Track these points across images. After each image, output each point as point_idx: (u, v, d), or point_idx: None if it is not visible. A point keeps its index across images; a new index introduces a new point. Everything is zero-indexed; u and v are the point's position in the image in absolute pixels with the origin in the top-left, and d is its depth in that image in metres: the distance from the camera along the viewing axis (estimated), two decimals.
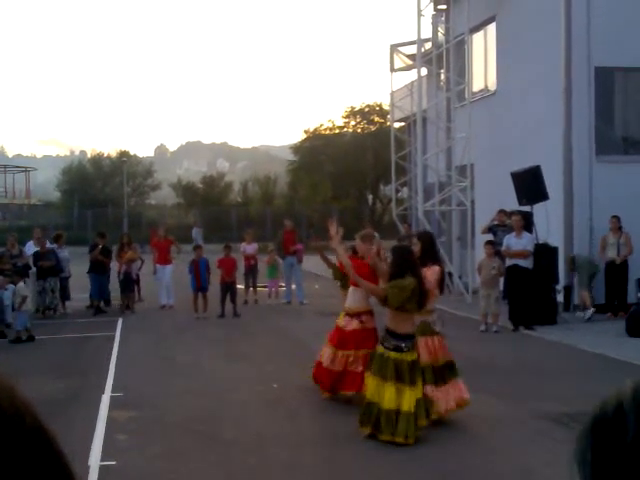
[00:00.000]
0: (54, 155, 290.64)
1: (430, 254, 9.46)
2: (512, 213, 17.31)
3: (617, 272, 17.38)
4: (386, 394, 8.27)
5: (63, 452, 0.81)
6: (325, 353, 10.50)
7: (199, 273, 18.97)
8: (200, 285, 18.93)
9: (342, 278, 10.97)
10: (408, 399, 8.24)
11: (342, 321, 10.41)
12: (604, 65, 18.47)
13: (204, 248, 20.73)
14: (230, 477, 7.45)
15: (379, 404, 8.30)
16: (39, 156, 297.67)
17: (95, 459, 7.95)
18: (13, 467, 0.72)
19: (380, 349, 8.50)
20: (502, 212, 18.83)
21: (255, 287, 21.29)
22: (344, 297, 10.83)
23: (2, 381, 0.81)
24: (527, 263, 16.14)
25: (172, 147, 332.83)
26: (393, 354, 8.35)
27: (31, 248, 19.88)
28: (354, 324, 10.24)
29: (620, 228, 17.46)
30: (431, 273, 9.20)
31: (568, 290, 17.90)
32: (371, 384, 8.46)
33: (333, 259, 11.32)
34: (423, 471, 7.52)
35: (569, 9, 18.06)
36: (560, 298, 17.42)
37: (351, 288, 10.28)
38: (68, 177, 64.92)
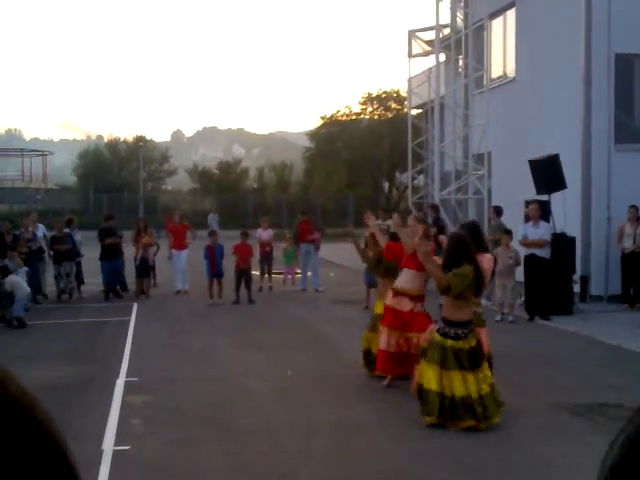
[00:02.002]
0: (71, 139, 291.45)
1: (478, 243, 9.39)
2: (529, 202, 17.19)
3: (634, 263, 17.23)
4: (454, 382, 8.28)
5: (63, 441, 0.77)
6: (381, 338, 10.45)
7: (214, 259, 18.96)
8: (215, 271, 18.91)
9: (377, 265, 11.09)
10: (474, 384, 8.27)
11: (391, 301, 10.34)
12: (624, 52, 18.28)
13: (219, 234, 20.71)
14: (243, 464, 7.43)
15: (447, 393, 8.29)
16: (56, 140, 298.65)
17: (109, 443, 7.96)
18: (7, 459, 0.69)
19: (437, 337, 8.50)
20: (433, 208, 19.17)
21: (270, 274, 21.26)
22: (382, 284, 10.92)
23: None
24: (544, 253, 16.03)
25: (188, 133, 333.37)
26: (450, 342, 8.38)
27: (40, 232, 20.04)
28: (409, 305, 10.20)
29: (638, 218, 17.30)
30: (486, 261, 9.20)
31: (585, 280, 17.78)
32: (428, 372, 8.42)
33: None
34: (438, 461, 7.47)
35: None
36: (577, 288, 17.30)
37: (408, 270, 10.22)
38: (84, 161, 65.10)
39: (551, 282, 16.03)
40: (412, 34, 28.18)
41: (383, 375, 10.52)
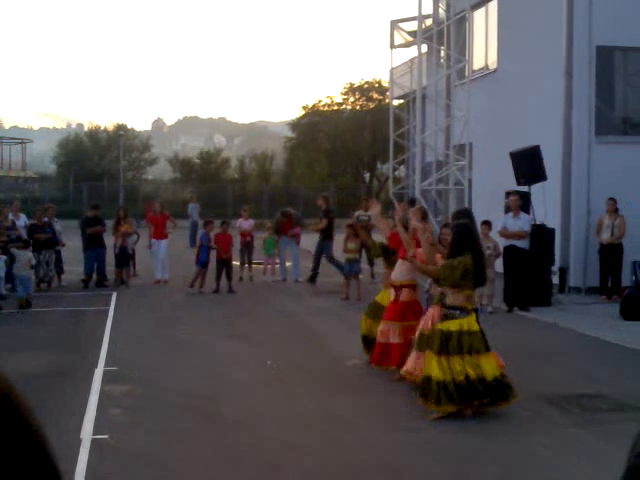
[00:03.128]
0: (51, 128, 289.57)
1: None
2: (509, 193, 17.25)
3: (612, 254, 17.32)
4: (456, 366, 8.33)
5: (35, 419, 0.76)
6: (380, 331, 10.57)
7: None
8: (207, 260, 18.91)
9: (384, 255, 11.27)
10: (471, 366, 8.33)
11: (391, 295, 10.55)
12: (605, 44, 18.34)
13: (199, 224, 20.66)
14: (227, 455, 7.42)
15: (447, 378, 8.33)
16: (36, 128, 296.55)
17: (87, 432, 7.92)
18: None
19: (439, 326, 8.60)
20: (323, 198, 19.84)
21: (250, 264, 21.23)
22: (388, 273, 11.12)
23: None
24: (524, 244, 16.11)
25: (169, 121, 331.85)
26: (452, 325, 8.45)
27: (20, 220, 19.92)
28: (407, 295, 10.43)
29: (616, 210, 17.38)
30: None
31: (563, 272, 17.86)
32: (434, 363, 8.44)
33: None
34: (423, 452, 7.51)
35: None
36: (555, 280, 17.38)
37: (399, 261, 10.48)
38: (64, 150, 64.70)
39: (530, 273, 16.10)
40: (394, 25, 28.13)
41: (380, 367, 10.57)
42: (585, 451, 7.46)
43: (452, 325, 8.47)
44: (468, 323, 8.50)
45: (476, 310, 9.24)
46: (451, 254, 8.63)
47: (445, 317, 8.59)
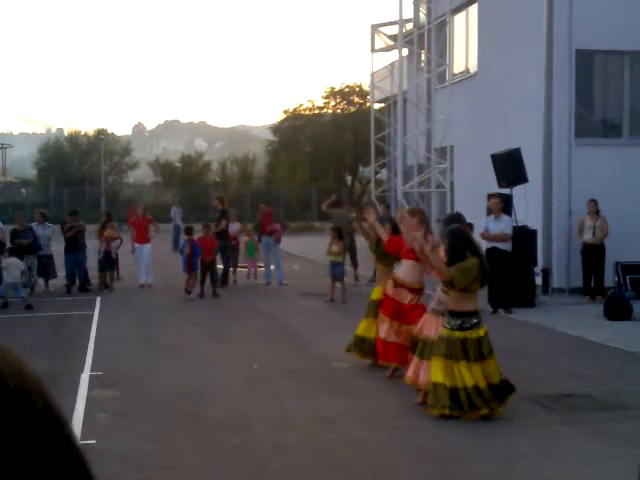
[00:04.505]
0: (31, 132, 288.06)
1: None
2: (491, 195, 17.36)
3: (594, 255, 17.46)
4: (464, 374, 8.36)
5: (74, 436, 0.78)
6: (381, 327, 10.60)
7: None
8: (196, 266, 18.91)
9: (379, 250, 11.38)
10: (479, 374, 8.37)
11: (392, 291, 10.51)
12: (585, 48, 18.49)
13: (182, 227, 20.63)
14: (215, 457, 7.44)
15: (459, 385, 8.35)
16: (15, 133, 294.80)
17: None
18: (21, 453, 0.70)
19: (445, 331, 8.59)
20: (218, 198, 20.97)
21: (235, 267, 21.23)
22: (381, 270, 11.37)
23: (10, 357, 0.77)
24: (506, 246, 16.21)
25: (150, 126, 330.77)
26: (458, 333, 8.48)
27: None
28: (408, 297, 10.38)
29: (598, 212, 17.53)
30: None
31: (546, 273, 17.99)
32: (438, 367, 8.48)
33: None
34: (409, 452, 7.56)
35: None
36: (538, 281, 17.50)
37: (407, 262, 10.39)
38: (45, 155, 64.33)
39: (513, 275, 16.19)
40: (375, 29, 28.29)
41: (384, 364, 10.62)
42: (572, 450, 7.54)
43: (480, 331, 8.50)
44: (478, 331, 8.55)
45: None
46: (451, 260, 8.60)
47: (456, 328, 8.50)
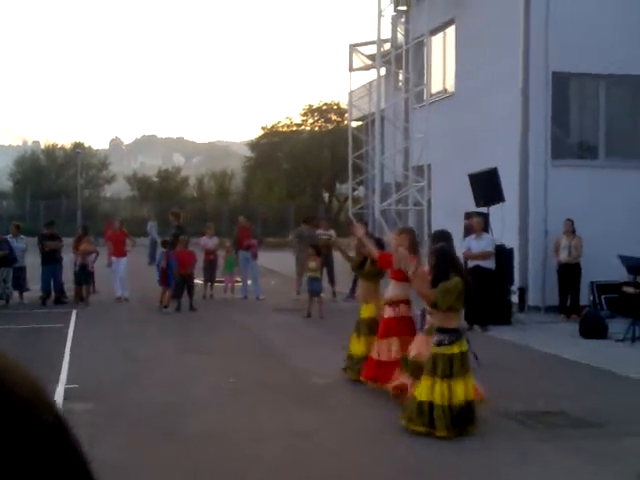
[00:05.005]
0: (6, 145, 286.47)
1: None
2: (469, 214, 17.48)
3: (570, 274, 17.60)
4: (436, 390, 8.39)
5: (83, 450, 0.79)
6: (375, 347, 10.69)
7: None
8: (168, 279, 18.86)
9: (362, 266, 11.53)
10: (443, 391, 8.37)
11: (390, 313, 10.63)
12: (561, 70, 18.70)
13: (158, 241, 20.60)
14: (191, 470, 7.42)
15: (453, 402, 8.38)
16: None
17: None
18: (33, 466, 0.71)
19: (433, 349, 8.64)
20: (173, 214, 21.05)
21: (213, 282, 21.21)
22: (365, 287, 11.54)
23: (20, 370, 0.78)
24: (489, 264, 16.30)
25: (127, 140, 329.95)
26: (435, 349, 8.54)
27: None
28: (394, 312, 10.53)
29: (574, 231, 17.68)
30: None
31: (522, 291, 18.11)
32: (423, 385, 8.53)
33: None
34: (387, 466, 7.57)
35: (528, 13, 18.30)
36: (515, 299, 17.62)
37: (392, 282, 10.60)
38: (21, 167, 64.05)
39: (490, 293, 16.29)
40: (353, 48, 28.44)
41: (367, 381, 10.65)
42: (548, 466, 7.58)
43: (455, 348, 8.53)
44: (463, 345, 8.61)
45: (472, 327, 9.36)
46: (435, 278, 8.66)
47: (441, 344, 8.54)
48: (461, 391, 8.40)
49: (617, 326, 15.24)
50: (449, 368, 8.42)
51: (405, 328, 10.39)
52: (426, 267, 9.42)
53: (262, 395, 10.39)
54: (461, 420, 8.39)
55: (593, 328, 15.12)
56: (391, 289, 10.71)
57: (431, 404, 8.39)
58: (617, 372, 11.92)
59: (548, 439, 8.39)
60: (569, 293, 17.71)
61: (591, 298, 17.83)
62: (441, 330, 8.64)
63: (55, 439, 0.75)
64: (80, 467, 0.77)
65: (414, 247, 10.35)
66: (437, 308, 8.65)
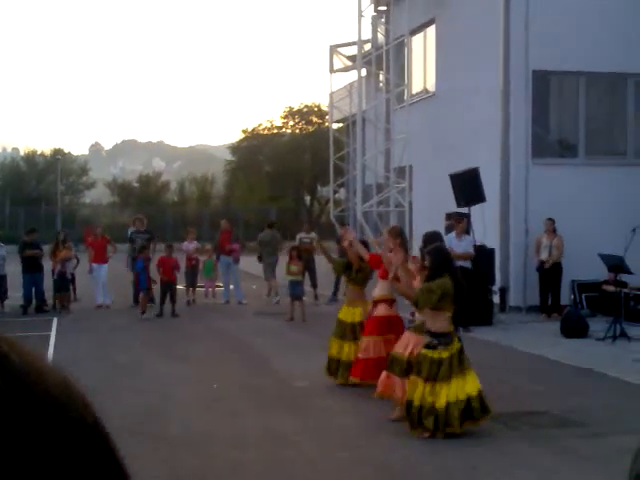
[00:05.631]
0: None
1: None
2: (450, 215, 17.50)
3: (551, 274, 17.63)
4: (425, 392, 8.37)
5: (119, 452, 0.76)
6: (362, 346, 10.68)
7: (146, 273, 18.85)
8: (146, 285, 18.78)
9: (347, 271, 11.53)
10: (443, 394, 8.35)
11: (381, 311, 10.68)
12: (541, 68, 18.74)
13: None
14: (174, 477, 7.37)
15: (424, 403, 8.35)
16: None
17: None
18: (73, 468, 0.68)
19: (423, 351, 8.63)
20: (138, 220, 21.18)
21: (194, 287, 21.12)
22: (352, 290, 11.53)
23: (55, 370, 0.74)
24: (467, 264, 16.34)
25: (107, 146, 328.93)
26: (425, 351, 8.55)
27: None
28: (383, 310, 10.60)
29: (554, 230, 17.71)
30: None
31: (504, 291, 18.12)
32: (413, 386, 8.51)
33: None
34: (370, 470, 7.55)
35: (507, 13, 18.33)
36: (496, 299, 17.62)
37: (381, 281, 10.67)
38: (1, 174, 63.72)
39: (471, 293, 16.27)
40: (333, 49, 28.44)
41: (358, 383, 10.62)
42: (532, 467, 7.57)
43: (444, 353, 8.51)
44: (455, 348, 8.57)
45: (456, 329, 9.35)
46: (430, 277, 8.67)
47: (433, 347, 8.52)
48: (444, 394, 8.36)
49: (598, 325, 15.31)
50: (435, 372, 8.39)
51: (393, 327, 10.41)
52: (412, 264, 9.47)
53: (244, 400, 10.35)
54: (446, 421, 8.35)
55: (574, 327, 15.16)
56: (379, 288, 10.75)
57: (416, 404, 8.38)
58: (599, 371, 11.95)
59: (531, 439, 8.38)
60: (550, 292, 17.73)
61: (572, 297, 17.87)
62: (431, 334, 8.62)
63: (94, 439, 0.72)
64: (118, 469, 0.74)
65: (404, 246, 10.35)
66: (418, 308, 8.69)
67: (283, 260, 20.32)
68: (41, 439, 0.67)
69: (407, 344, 9.36)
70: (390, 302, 10.69)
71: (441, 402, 8.34)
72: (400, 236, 10.56)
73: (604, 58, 18.71)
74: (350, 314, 11.36)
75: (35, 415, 0.67)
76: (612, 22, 18.78)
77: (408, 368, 9.07)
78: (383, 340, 10.41)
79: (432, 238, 10.06)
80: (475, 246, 16.82)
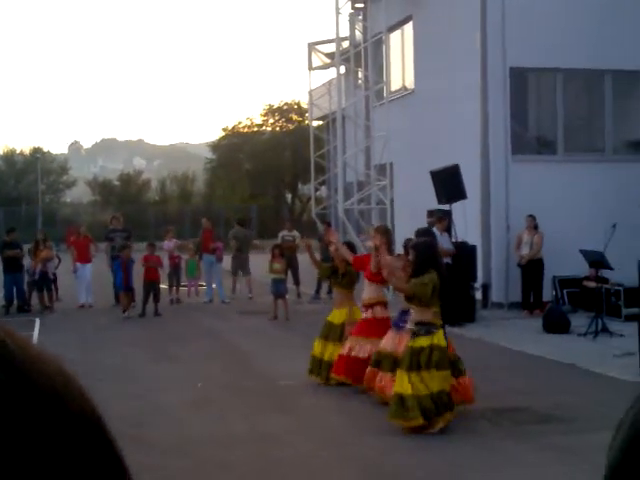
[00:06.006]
0: None
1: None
2: (432, 212, 17.55)
3: (532, 270, 17.71)
4: (403, 381, 8.46)
5: (117, 443, 0.76)
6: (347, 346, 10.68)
7: (128, 272, 18.81)
8: (128, 284, 18.75)
9: (333, 275, 11.56)
10: (404, 382, 8.46)
11: (368, 314, 10.72)
12: (518, 65, 18.82)
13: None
14: (161, 478, 7.37)
15: (422, 392, 8.42)
16: None
17: None
18: (69, 459, 0.67)
19: (410, 343, 8.71)
20: (115, 218, 21.68)
21: (178, 286, 21.11)
22: (339, 293, 11.55)
23: (52, 359, 0.73)
24: (447, 259, 16.40)
25: (87, 144, 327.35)
26: (410, 342, 8.66)
27: None
28: (369, 314, 10.63)
29: (535, 227, 17.80)
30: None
31: (486, 288, 18.21)
32: (402, 379, 8.57)
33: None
34: (357, 469, 7.60)
35: (484, 10, 18.41)
36: (478, 296, 17.71)
37: (368, 283, 10.72)
38: None
39: (453, 290, 16.35)
40: (312, 47, 28.40)
41: (339, 380, 10.67)
42: (517, 463, 7.64)
43: (424, 341, 8.58)
44: (438, 338, 8.66)
45: (443, 326, 9.41)
46: (414, 272, 8.74)
47: (415, 335, 8.66)
48: (433, 383, 8.45)
49: (579, 320, 15.42)
50: (416, 361, 8.48)
51: (381, 330, 10.39)
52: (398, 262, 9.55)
53: (229, 400, 10.37)
54: (436, 409, 8.42)
55: (556, 323, 15.27)
56: (366, 291, 10.79)
57: (405, 396, 8.44)
58: (581, 366, 12.05)
59: (515, 436, 8.46)
60: (532, 289, 17.83)
61: (554, 293, 17.98)
62: (417, 323, 8.75)
63: (91, 429, 0.71)
64: (116, 460, 0.73)
65: (389, 245, 10.41)
66: (413, 301, 8.73)
67: (262, 258, 20.38)
68: (39, 428, 0.66)
69: (392, 342, 9.44)
70: (382, 304, 10.70)
71: (432, 390, 8.45)
72: (386, 234, 10.62)
73: (581, 54, 18.81)
74: (337, 316, 11.40)
75: (32, 402, 0.67)
76: (588, 18, 18.85)
77: (393, 365, 9.16)
78: (369, 343, 10.43)
79: (421, 233, 10.15)
80: (455, 243, 16.86)
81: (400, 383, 8.59)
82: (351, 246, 11.93)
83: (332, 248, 11.72)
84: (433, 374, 8.49)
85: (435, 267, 8.78)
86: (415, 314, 8.84)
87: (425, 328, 8.65)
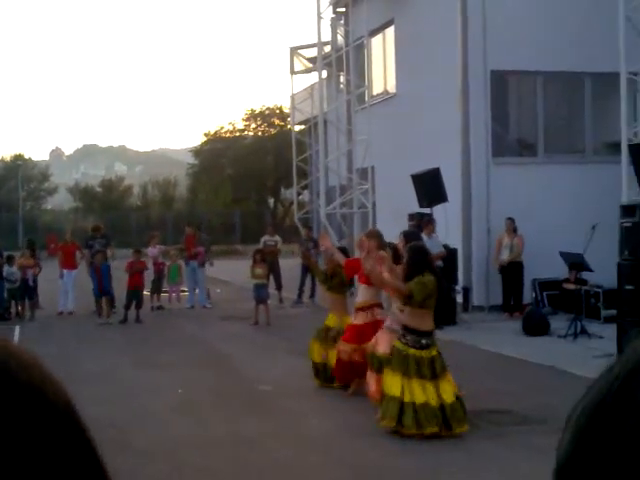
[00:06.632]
0: None
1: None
2: (413, 215, 17.58)
3: (512, 273, 17.77)
4: (415, 390, 8.38)
5: (94, 440, 0.75)
6: (341, 351, 10.62)
7: (101, 278, 18.74)
8: (102, 290, 18.69)
9: (329, 279, 11.46)
10: (434, 393, 8.40)
11: (362, 318, 10.62)
12: (499, 68, 18.89)
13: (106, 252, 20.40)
14: None
15: (407, 400, 8.36)
16: None
17: None
18: (43, 453, 0.68)
19: (399, 345, 8.62)
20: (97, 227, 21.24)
21: (159, 293, 21.03)
22: (332, 298, 11.47)
23: (28, 356, 0.74)
24: (439, 263, 16.42)
25: (68, 150, 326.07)
26: (412, 351, 8.54)
27: None
28: (368, 317, 10.52)
29: (515, 230, 17.86)
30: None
31: (467, 291, 18.25)
32: (391, 380, 8.52)
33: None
34: (339, 472, 7.59)
35: (465, 13, 18.47)
36: (459, 299, 17.74)
37: (361, 286, 10.65)
38: None
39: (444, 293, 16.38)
40: (294, 51, 28.45)
41: (342, 385, 10.67)
42: (496, 465, 7.66)
43: (433, 351, 8.60)
44: (433, 349, 8.64)
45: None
46: (408, 276, 8.65)
47: (426, 346, 8.59)
48: (420, 392, 8.43)
49: (559, 323, 15.48)
50: (425, 370, 8.49)
51: (374, 333, 10.29)
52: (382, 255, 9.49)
53: (211, 405, 10.35)
54: (416, 420, 8.40)
55: (536, 326, 15.33)
56: (361, 294, 10.74)
57: (403, 402, 8.42)
58: (561, 368, 12.09)
59: (495, 437, 8.48)
60: (512, 291, 17.88)
61: (533, 295, 18.04)
62: (412, 331, 8.64)
63: (67, 424, 0.72)
64: (91, 453, 0.74)
65: (382, 248, 10.39)
66: (411, 300, 8.58)
67: (243, 264, 20.36)
68: (16, 417, 0.67)
69: (383, 342, 9.41)
70: (378, 306, 10.63)
71: (449, 399, 8.44)
72: (377, 238, 10.60)
73: (561, 57, 18.87)
74: (332, 320, 11.37)
75: (11, 393, 0.68)
76: (568, 21, 18.94)
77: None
78: (359, 349, 10.35)
79: (411, 237, 10.14)
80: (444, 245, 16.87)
81: (390, 385, 8.52)
82: (345, 252, 11.90)
83: (328, 259, 11.65)
84: (426, 385, 8.45)
85: (430, 269, 8.75)
86: (414, 321, 8.69)
87: (430, 339, 8.64)
